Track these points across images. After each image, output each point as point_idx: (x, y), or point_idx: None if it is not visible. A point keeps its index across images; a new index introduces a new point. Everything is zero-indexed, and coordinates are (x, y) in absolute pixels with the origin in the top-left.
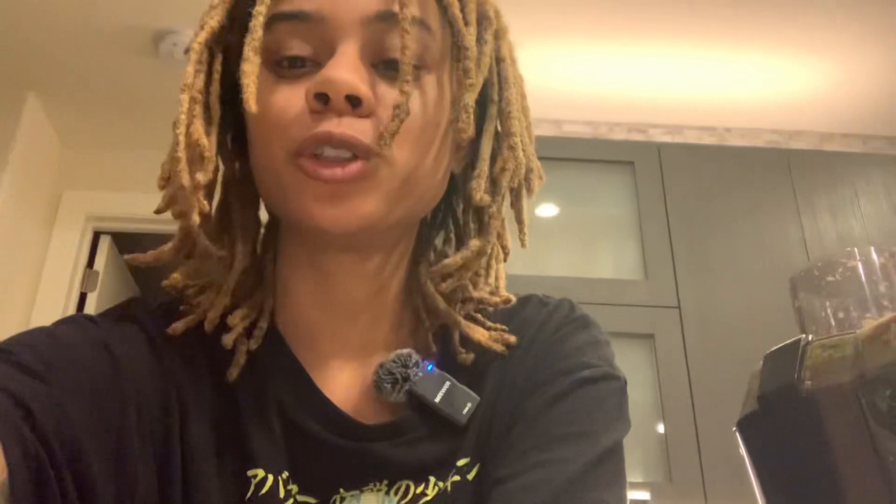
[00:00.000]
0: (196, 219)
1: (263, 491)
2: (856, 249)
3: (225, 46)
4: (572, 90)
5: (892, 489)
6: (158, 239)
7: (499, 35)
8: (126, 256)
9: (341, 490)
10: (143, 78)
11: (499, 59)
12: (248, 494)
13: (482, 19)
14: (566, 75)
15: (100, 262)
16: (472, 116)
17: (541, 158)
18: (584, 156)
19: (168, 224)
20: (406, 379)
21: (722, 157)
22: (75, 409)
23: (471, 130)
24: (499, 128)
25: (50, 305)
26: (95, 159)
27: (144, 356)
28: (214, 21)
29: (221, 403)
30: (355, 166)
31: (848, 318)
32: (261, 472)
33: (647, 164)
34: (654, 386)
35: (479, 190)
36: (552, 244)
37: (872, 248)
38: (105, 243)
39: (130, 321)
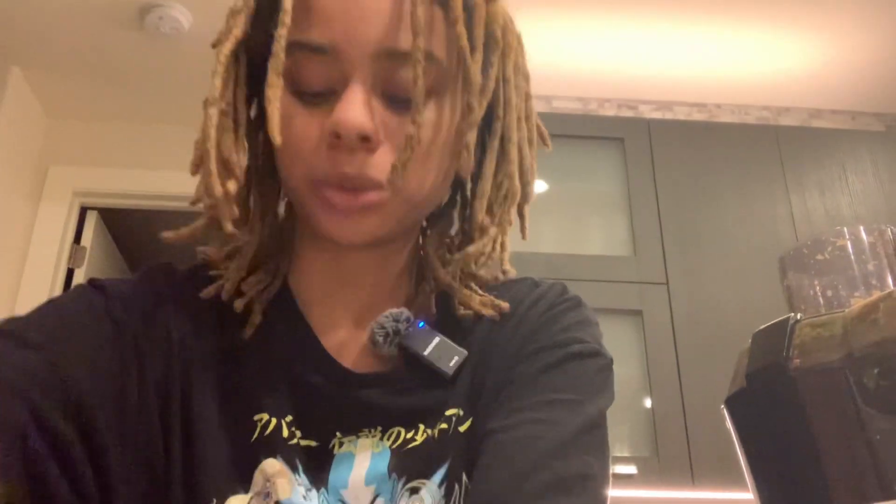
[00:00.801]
0: (229, 227)
1: (268, 432)
2: (845, 229)
3: (247, 49)
4: (563, 66)
5: (878, 466)
6: (146, 214)
7: (505, 53)
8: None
9: (338, 434)
10: (129, 51)
11: (504, 80)
12: (255, 436)
13: (489, 41)
14: (557, 51)
15: (87, 238)
16: (472, 153)
17: None
18: (573, 132)
19: (155, 200)
20: (397, 333)
21: (711, 134)
22: (77, 372)
23: (471, 165)
24: (502, 134)
25: (37, 282)
26: (82, 134)
27: (146, 317)
28: (238, 30)
29: (230, 358)
30: (366, 197)
31: (836, 297)
32: (266, 416)
33: (637, 141)
34: (641, 362)
35: (481, 210)
36: (541, 220)
37: (861, 228)
38: (92, 219)
39: (140, 285)
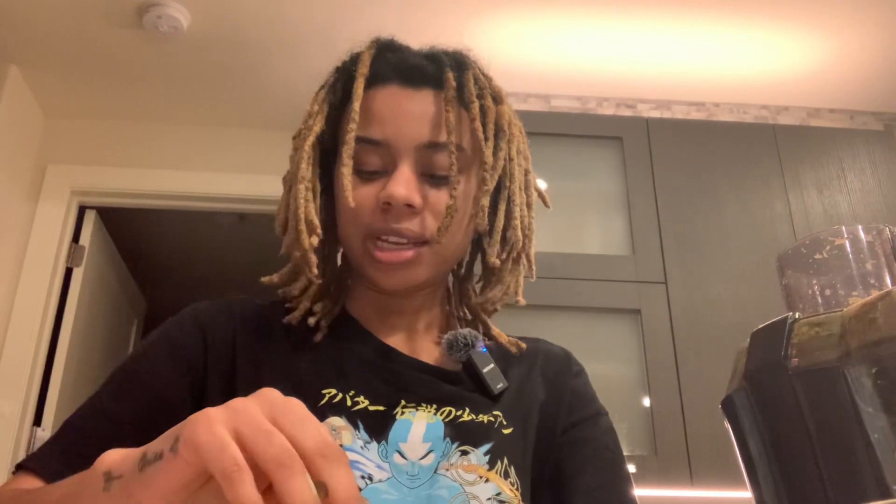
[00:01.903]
0: (314, 269)
1: (335, 401)
2: (843, 227)
3: (320, 137)
4: (561, 65)
5: (876, 465)
6: (144, 213)
7: (510, 140)
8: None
9: (403, 402)
10: (128, 50)
11: (510, 159)
12: (322, 402)
13: (499, 131)
14: (555, 50)
15: (85, 237)
16: (486, 213)
17: (529, 134)
18: (572, 131)
19: (153, 199)
20: (473, 346)
21: (710, 133)
22: (163, 364)
23: (485, 223)
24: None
25: (35, 281)
26: (80, 133)
27: (222, 323)
28: (318, 127)
29: (299, 357)
30: (406, 254)
31: (835, 296)
32: (333, 390)
33: (636, 140)
34: (640, 361)
35: (493, 255)
36: (540, 219)
37: (860, 227)
38: (91, 218)
39: (220, 303)
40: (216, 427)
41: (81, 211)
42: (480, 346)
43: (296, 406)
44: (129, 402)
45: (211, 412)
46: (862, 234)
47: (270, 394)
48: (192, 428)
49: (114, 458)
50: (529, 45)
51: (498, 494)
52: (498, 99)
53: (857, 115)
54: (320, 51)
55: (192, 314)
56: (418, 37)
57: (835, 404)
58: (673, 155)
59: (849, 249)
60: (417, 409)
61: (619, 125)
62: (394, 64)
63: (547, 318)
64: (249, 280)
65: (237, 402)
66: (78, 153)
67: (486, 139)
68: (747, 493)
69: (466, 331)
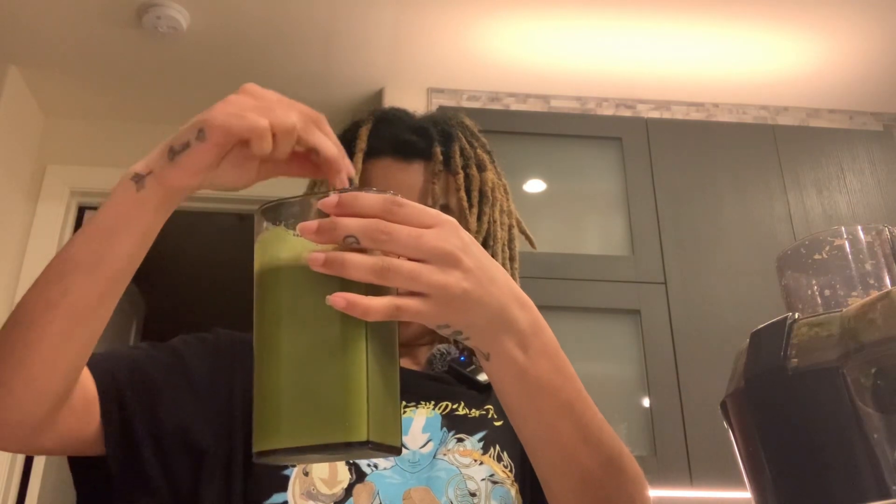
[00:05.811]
0: None
1: None
2: (843, 228)
3: None
4: (561, 65)
5: (876, 466)
6: None
7: (493, 204)
8: None
9: (403, 402)
10: (127, 51)
11: (493, 221)
12: None
13: (482, 197)
14: (554, 50)
15: None
16: None
17: (529, 134)
18: (571, 131)
19: None
20: (450, 355)
21: (709, 133)
22: (156, 373)
23: None
24: None
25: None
26: (80, 133)
27: (224, 344)
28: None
29: None
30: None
31: (834, 297)
32: None
33: (635, 140)
34: (639, 361)
35: None
36: (539, 220)
37: (859, 227)
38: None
39: (227, 333)
40: (231, 108)
41: (81, 211)
42: (458, 357)
43: (273, 94)
44: (164, 353)
45: (218, 106)
46: (861, 235)
47: (251, 88)
48: (214, 115)
49: (136, 166)
50: (529, 45)
51: (491, 475)
52: (482, 166)
53: (856, 115)
54: (320, 51)
55: (213, 334)
56: (418, 37)
57: (834, 405)
58: (672, 155)
59: (848, 250)
60: (417, 407)
61: (619, 125)
62: (388, 139)
63: (546, 319)
64: (248, 280)
65: (232, 97)
66: (78, 153)
67: (471, 206)
68: (747, 494)
69: (444, 346)
